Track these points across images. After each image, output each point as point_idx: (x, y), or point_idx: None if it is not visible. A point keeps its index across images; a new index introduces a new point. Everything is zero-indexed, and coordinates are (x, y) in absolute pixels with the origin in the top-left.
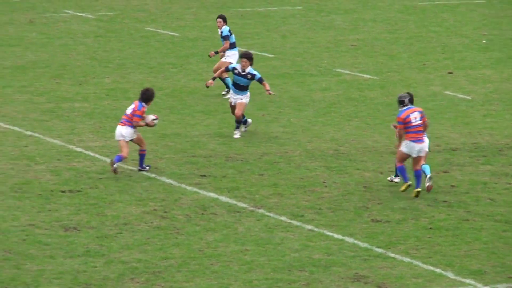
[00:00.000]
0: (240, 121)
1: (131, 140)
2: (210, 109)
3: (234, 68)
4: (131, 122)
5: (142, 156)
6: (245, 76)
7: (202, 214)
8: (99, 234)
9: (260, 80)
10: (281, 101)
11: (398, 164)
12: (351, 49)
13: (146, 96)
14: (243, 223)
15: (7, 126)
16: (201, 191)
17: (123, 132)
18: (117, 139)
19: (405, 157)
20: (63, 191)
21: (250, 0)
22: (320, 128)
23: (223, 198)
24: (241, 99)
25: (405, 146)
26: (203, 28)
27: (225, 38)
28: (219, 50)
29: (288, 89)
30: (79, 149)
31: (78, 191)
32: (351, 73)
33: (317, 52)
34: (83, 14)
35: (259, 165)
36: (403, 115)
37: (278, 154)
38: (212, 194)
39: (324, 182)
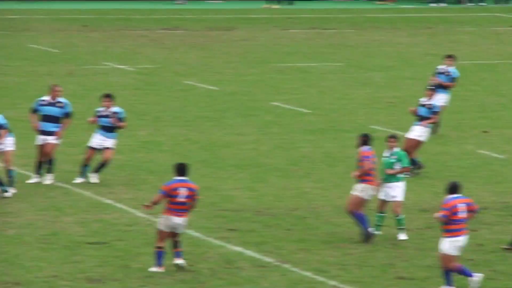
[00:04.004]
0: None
1: None
2: (243, 163)
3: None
4: None
5: None
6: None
7: (227, 268)
8: (123, 286)
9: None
10: (314, 156)
11: None
12: (388, 106)
13: None
14: (267, 278)
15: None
16: (228, 245)
17: None
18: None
19: None
20: (89, 243)
21: (291, 55)
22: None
23: (249, 252)
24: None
25: None
26: (242, 82)
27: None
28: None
29: (322, 144)
30: (108, 201)
31: (105, 243)
32: (386, 130)
33: (354, 108)
34: (123, 67)
35: (288, 220)
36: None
37: (307, 209)
38: (238, 248)
39: (351, 238)
